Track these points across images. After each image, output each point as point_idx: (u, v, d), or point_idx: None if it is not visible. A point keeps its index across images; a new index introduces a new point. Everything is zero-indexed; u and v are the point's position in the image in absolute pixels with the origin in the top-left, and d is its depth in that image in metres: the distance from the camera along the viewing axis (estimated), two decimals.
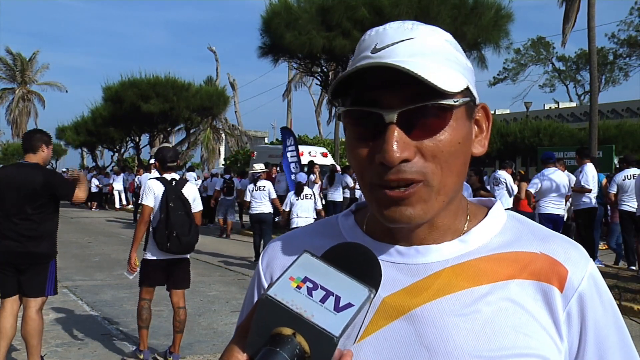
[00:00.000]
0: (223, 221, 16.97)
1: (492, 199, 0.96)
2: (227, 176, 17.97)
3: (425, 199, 0.80)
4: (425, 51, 0.80)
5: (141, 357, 5.30)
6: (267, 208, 11.27)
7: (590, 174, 9.31)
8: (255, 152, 21.60)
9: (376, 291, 0.72)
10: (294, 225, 9.83)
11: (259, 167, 12.14)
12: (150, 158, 24.20)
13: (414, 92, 0.76)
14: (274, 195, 11.33)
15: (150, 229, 5.24)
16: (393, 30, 0.83)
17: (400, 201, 0.79)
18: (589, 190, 9.35)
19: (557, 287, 0.83)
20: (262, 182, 11.38)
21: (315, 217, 10.28)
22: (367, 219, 0.93)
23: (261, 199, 11.20)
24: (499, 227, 0.89)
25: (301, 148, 17.33)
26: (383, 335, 0.82)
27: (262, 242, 11.34)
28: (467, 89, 0.82)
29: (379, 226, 0.89)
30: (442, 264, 0.85)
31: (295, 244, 0.95)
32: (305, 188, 10.61)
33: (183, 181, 5.40)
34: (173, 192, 5.24)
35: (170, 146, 5.55)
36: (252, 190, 11.29)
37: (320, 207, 10.88)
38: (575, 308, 0.83)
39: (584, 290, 0.83)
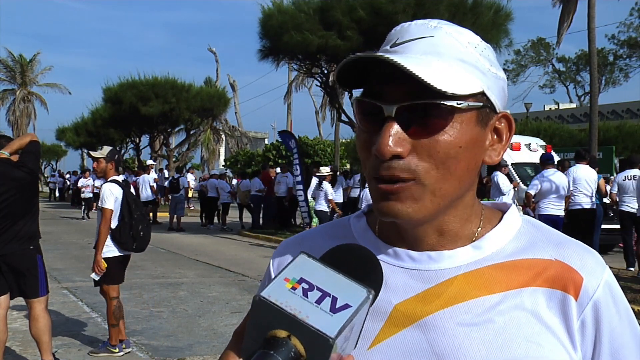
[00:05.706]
0: (175, 217, 18.36)
1: (508, 203, 0.94)
2: (176, 175, 20.07)
3: (416, 198, 0.79)
4: (440, 50, 0.79)
5: (123, 346, 5.53)
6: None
7: (576, 176, 9.22)
8: None
9: (376, 293, 0.70)
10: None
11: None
12: (150, 159, 24.28)
13: (418, 90, 0.75)
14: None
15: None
16: (417, 27, 0.83)
17: (389, 195, 0.79)
18: (569, 196, 9.20)
19: (572, 295, 0.81)
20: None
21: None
22: (379, 221, 0.91)
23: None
24: (513, 233, 0.88)
25: (517, 138, 14.01)
26: (394, 343, 0.81)
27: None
28: (483, 94, 0.80)
29: (391, 229, 0.88)
30: (455, 271, 0.83)
31: (306, 244, 0.94)
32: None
33: (127, 182, 5.70)
34: (130, 193, 5.49)
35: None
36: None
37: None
38: (589, 316, 0.82)
39: (599, 298, 0.82)
